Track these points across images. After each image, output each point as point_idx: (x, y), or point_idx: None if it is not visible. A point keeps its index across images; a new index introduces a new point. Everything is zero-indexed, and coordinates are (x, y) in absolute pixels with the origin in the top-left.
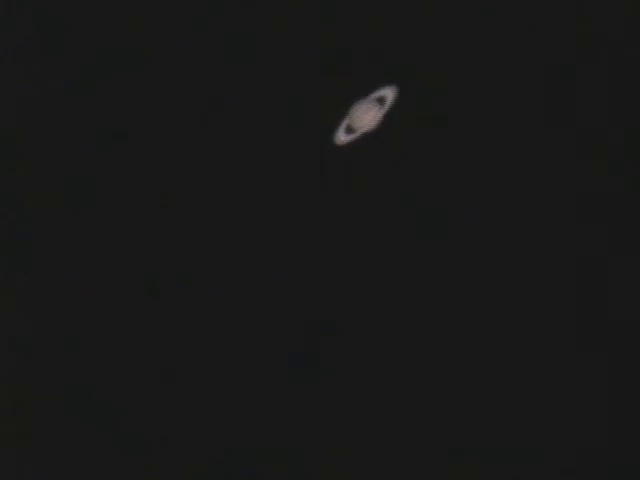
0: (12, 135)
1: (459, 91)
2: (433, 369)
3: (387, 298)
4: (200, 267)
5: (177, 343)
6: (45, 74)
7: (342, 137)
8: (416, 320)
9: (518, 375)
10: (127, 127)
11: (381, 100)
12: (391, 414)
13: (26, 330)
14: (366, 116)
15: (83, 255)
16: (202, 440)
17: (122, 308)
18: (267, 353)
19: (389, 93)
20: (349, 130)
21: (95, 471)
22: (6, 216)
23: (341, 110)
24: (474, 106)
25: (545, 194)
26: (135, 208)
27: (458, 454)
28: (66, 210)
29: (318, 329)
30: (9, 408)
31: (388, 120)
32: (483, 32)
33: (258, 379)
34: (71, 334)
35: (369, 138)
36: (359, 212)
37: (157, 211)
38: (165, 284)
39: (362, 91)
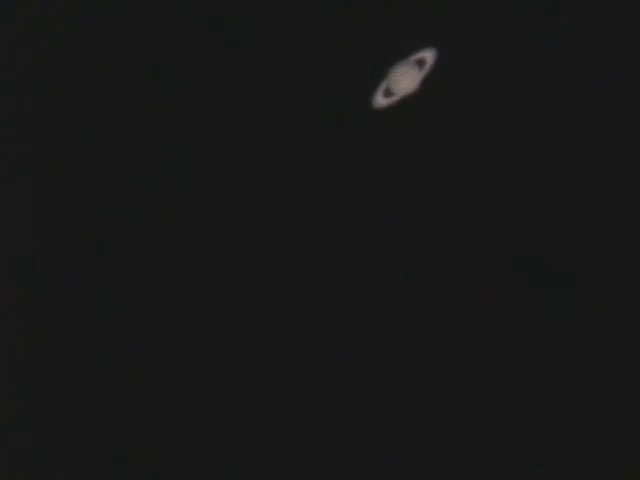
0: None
1: (499, 55)
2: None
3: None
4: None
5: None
6: (45, 74)
7: (381, 100)
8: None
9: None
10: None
11: (420, 63)
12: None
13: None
14: (405, 79)
15: (88, 260)
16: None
17: (126, 309)
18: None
19: (428, 56)
20: (388, 93)
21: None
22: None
23: (380, 73)
24: (514, 70)
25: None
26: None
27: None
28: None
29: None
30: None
31: (427, 83)
32: None
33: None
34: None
35: (408, 101)
36: (398, 175)
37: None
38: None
39: (401, 54)
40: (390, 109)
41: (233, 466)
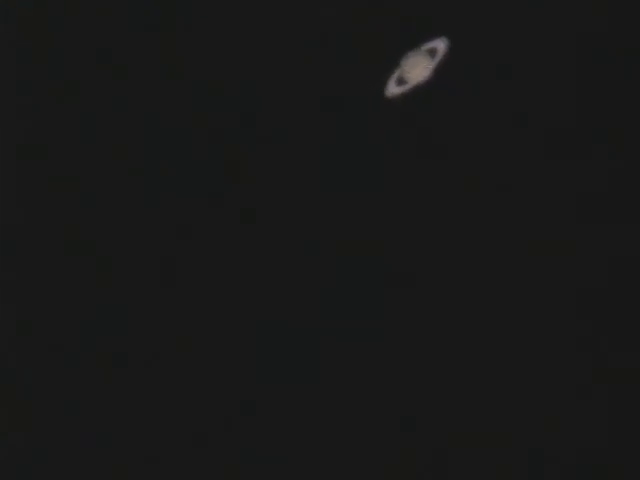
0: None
1: (510, 44)
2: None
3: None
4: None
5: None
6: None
7: (393, 89)
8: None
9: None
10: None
11: (432, 52)
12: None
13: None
14: (417, 67)
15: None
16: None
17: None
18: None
19: (440, 45)
20: (400, 82)
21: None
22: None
23: (393, 62)
24: (524, 59)
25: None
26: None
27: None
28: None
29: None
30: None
31: (439, 72)
32: None
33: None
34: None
35: (420, 89)
36: (411, 163)
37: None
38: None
39: (413, 43)
40: (403, 97)
41: (231, 466)
